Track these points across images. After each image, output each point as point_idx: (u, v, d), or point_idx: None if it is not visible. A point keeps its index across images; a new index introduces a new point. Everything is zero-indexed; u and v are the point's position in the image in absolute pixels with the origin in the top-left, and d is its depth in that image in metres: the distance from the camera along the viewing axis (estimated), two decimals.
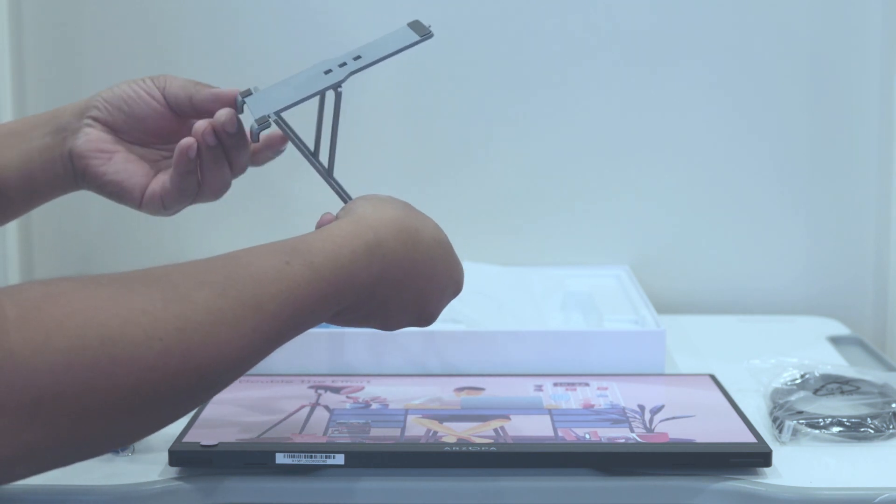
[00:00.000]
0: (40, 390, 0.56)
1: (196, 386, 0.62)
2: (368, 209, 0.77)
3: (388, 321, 0.78)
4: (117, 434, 0.61)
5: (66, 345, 0.56)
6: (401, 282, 0.75)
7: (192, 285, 0.63)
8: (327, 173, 0.83)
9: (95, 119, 0.85)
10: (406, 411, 0.93)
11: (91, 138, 0.85)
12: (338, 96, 0.82)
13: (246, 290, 0.65)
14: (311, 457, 0.84)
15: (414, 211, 0.80)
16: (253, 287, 0.65)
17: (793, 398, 0.95)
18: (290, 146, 0.85)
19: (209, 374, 0.63)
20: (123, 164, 0.85)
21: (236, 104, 0.84)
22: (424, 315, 0.80)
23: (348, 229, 0.73)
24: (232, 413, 0.92)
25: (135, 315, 0.59)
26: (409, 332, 1.07)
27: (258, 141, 0.82)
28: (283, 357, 1.03)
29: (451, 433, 0.88)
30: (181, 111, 0.86)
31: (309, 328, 0.70)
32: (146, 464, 0.85)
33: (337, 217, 0.77)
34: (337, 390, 0.98)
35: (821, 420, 0.91)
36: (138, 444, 0.89)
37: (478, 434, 0.87)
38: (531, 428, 0.89)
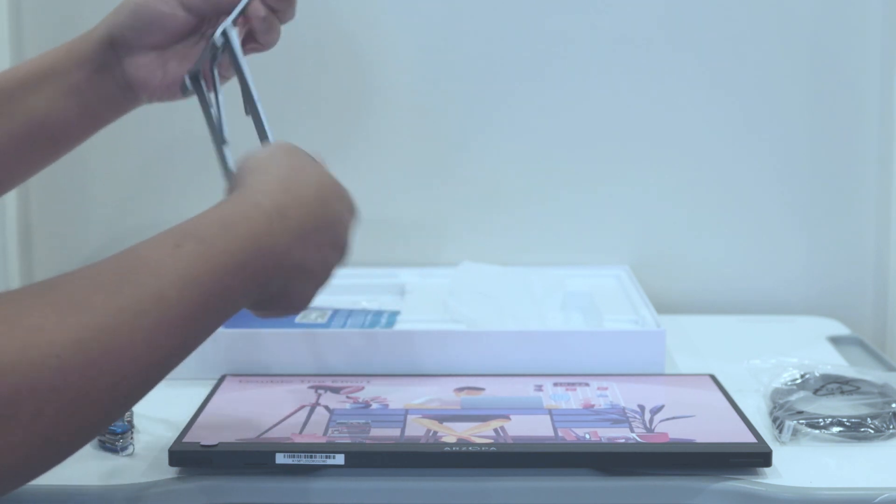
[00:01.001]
0: None
1: (106, 395, 0.59)
2: (251, 173, 0.74)
3: (314, 273, 0.75)
4: (33, 465, 0.58)
5: None
6: (304, 227, 0.73)
7: (87, 290, 0.60)
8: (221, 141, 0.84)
9: (129, 46, 0.88)
10: (406, 411, 0.93)
11: (138, 64, 0.89)
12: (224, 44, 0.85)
13: (142, 283, 0.62)
14: (311, 457, 0.84)
15: (292, 156, 0.77)
16: (148, 278, 0.62)
17: (793, 398, 0.95)
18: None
19: (119, 381, 0.60)
20: (176, 70, 0.89)
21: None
22: (340, 249, 0.78)
23: (234, 197, 0.71)
24: (232, 413, 0.92)
25: (30, 333, 0.56)
26: (410, 332, 1.08)
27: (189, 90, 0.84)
28: (283, 357, 1.04)
29: (451, 433, 0.88)
30: (197, 10, 0.88)
31: (230, 313, 0.68)
32: (146, 464, 0.85)
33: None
34: (337, 390, 0.98)
35: (821, 420, 0.91)
36: (138, 444, 0.89)
37: (478, 434, 0.87)
38: (531, 428, 0.89)
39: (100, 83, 0.88)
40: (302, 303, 0.77)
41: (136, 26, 0.87)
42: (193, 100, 0.85)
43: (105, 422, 0.61)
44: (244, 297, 0.69)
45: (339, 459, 0.84)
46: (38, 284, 0.61)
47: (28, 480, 0.59)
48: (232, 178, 0.77)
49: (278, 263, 0.71)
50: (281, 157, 0.76)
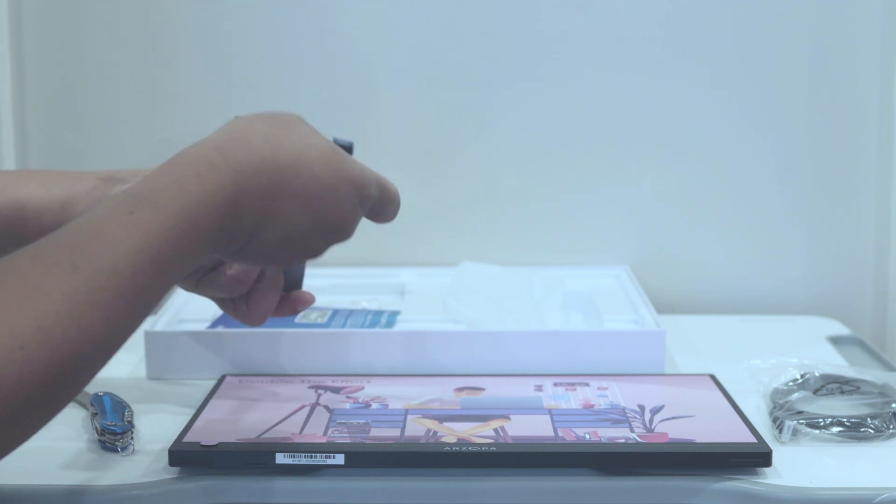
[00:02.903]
0: None
1: (70, 378, 0.60)
2: (218, 132, 0.72)
3: (290, 238, 0.73)
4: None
5: None
6: (270, 190, 0.70)
7: (42, 271, 0.60)
8: None
9: None
10: (406, 411, 0.93)
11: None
12: None
13: (97, 258, 0.61)
14: (311, 457, 0.84)
15: (282, 119, 0.74)
16: (103, 251, 0.61)
17: (793, 398, 0.95)
18: None
19: (80, 362, 0.60)
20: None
21: None
22: (331, 227, 0.74)
23: (189, 154, 0.69)
24: (232, 413, 0.92)
25: None
26: (410, 332, 1.08)
27: None
28: (283, 357, 1.04)
29: (451, 433, 0.88)
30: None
31: (184, 272, 0.67)
32: (146, 464, 0.85)
33: None
34: (337, 390, 0.98)
35: (821, 420, 0.91)
36: (138, 444, 0.89)
37: (478, 434, 0.87)
38: (531, 428, 0.89)
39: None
40: (284, 260, 0.75)
41: None
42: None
43: (65, 402, 0.61)
44: (202, 255, 0.68)
45: (339, 459, 0.84)
46: None
47: None
48: None
49: (235, 217, 0.69)
50: (265, 119, 0.73)
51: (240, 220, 0.69)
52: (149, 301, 0.64)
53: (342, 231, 0.76)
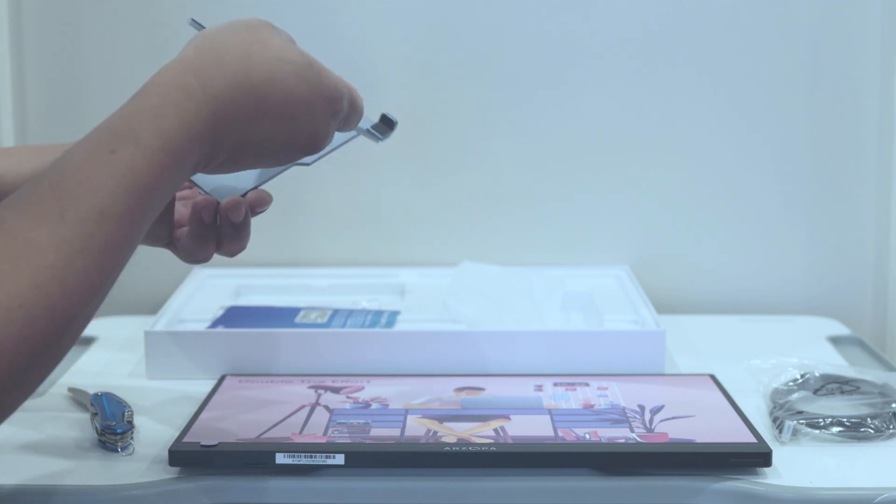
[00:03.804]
0: None
1: (70, 328, 0.60)
2: (190, 50, 0.71)
3: (263, 154, 0.73)
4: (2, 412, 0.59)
5: None
6: (247, 113, 0.70)
7: (29, 224, 0.60)
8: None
9: None
10: (406, 411, 0.93)
11: None
12: None
13: (83, 204, 0.61)
14: (311, 457, 0.84)
15: (254, 31, 0.73)
16: (88, 197, 0.61)
17: (793, 398, 0.95)
18: None
19: (79, 311, 0.60)
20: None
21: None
22: (305, 140, 0.74)
23: (164, 81, 0.68)
24: (232, 413, 0.92)
25: None
26: (410, 332, 1.08)
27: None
28: (284, 357, 1.04)
29: (451, 433, 0.88)
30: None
31: (166, 201, 0.67)
32: (146, 464, 0.85)
33: None
34: (337, 390, 0.98)
35: (821, 420, 0.91)
36: (138, 444, 0.89)
37: (478, 434, 0.87)
38: (531, 428, 0.89)
39: None
40: (242, 169, 0.75)
41: None
42: None
43: (66, 351, 0.62)
44: (182, 181, 0.68)
45: (339, 459, 0.84)
46: None
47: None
48: None
49: (215, 142, 0.69)
50: (235, 31, 0.73)
51: (219, 144, 0.69)
52: (137, 237, 0.64)
53: (314, 145, 0.75)
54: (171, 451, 0.84)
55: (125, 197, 0.63)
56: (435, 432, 0.88)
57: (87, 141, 0.65)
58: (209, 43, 0.72)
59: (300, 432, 0.88)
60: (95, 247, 0.61)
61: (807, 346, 1.16)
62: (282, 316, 1.17)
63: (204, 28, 0.77)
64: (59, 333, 0.59)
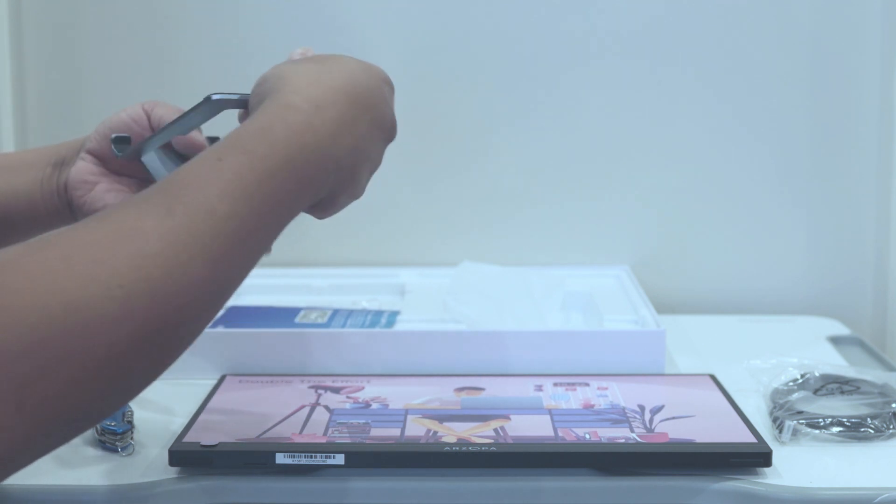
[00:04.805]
0: (22, 375, 0.52)
1: (175, 325, 0.59)
2: (276, 80, 0.73)
3: (366, 156, 0.74)
4: (108, 401, 0.58)
5: (34, 320, 0.53)
6: (343, 114, 0.72)
7: (136, 216, 0.60)
8: None
9: (89, 151, 0.86)
10: (406, 411, 0.93)
11: (79, 169, 0.85)
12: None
13: (191, 201, 0.61)
14: (311, 457, 0.84)
15: (310, 56, 0.78)
16: (196, 195, 0.62)
17: (793, 398, 0.95)
18: None
19: (183, 304, 0.59)
20: (103, 195, 0.85)
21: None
22: (386, 126, 0.76)
23: (266, 105, 0.70)
24: (232, 413, 0.92)
25: (89, 268, 0.56)
26: (410, 332, 1.08)
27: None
28: (284, 357, 1.04)
29: (451, 433, 0.88)
30: None
31: (287, 214, 0.67)
32: (146, 464, 0.85)
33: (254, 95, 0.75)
34: (337, 390, 0.98)
35: (821, 420, 0.91)
36: (138, 445, 0.89)
37: (478, 434, 0.87)
38: (531, 428, 0.89)
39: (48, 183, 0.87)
40: (360, 189, 0.76)
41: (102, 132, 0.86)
42: (197, 101, 0.84)
43: (179, 347, 0.61)
44: (298, 199, 0.69)
45: (339, 459, 0.84)
46: (87, 221, 0.60)
47: (108, 415, 0.59)
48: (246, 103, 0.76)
49: (325, 155, 0.70)
50: (299, 60, 0.76)
51: (331, 150, 0.70)
52: (252, 245, 0.64)
53: (393, 128, 0.77)
54: (171, 451, 0.84)
55: (231, 198, 0.63)
56: (435, 432, 0.88)
57: (198, 156, 0.66)
58: (288, 69, 0.74)
59: (300, 432, 0.88)
60: (202, 243, 0.61)
61: (807, 346, 1.16)
62: (282, 316, 1.17)
63: (232, 97, 0.79)
64: (161, 326, 0.58)
